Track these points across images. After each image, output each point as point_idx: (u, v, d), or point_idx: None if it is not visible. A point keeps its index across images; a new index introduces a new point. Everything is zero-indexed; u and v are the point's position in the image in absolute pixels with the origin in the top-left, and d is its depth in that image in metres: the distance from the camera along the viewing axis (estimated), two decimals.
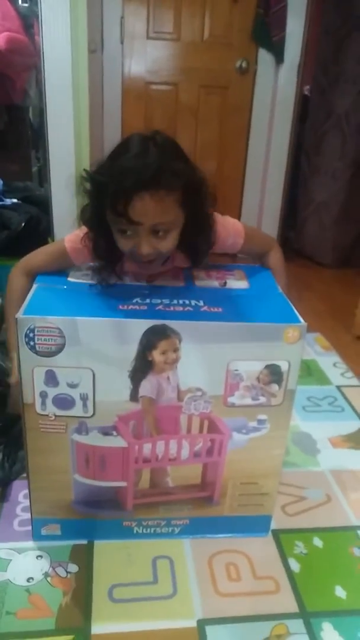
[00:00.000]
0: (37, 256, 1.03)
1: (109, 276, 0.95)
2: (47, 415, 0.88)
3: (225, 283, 1.01)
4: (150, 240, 0.87)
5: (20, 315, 0.82)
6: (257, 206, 2.85)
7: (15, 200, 1.86)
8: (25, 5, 1.90)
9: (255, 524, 1.04)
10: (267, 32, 2.47)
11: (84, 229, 0.96)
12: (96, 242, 0.94)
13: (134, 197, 0.81)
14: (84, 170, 0.89)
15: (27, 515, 1.02)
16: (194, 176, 0.88)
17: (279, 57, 2.53)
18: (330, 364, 1.75)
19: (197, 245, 0.97)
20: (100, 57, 2.47)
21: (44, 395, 0.87)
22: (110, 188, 0.82)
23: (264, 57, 2.55)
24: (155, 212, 0.83)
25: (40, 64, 1.87)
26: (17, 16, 1.99)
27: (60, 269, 1.00)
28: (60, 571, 0.95)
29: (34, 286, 0.93)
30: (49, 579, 0.93)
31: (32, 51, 2.02)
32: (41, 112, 1.98)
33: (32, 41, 1.96)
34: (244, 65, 2.55)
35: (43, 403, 0.87)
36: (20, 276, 1.01)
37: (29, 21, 1.92)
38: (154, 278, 0.99)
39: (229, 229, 1.04)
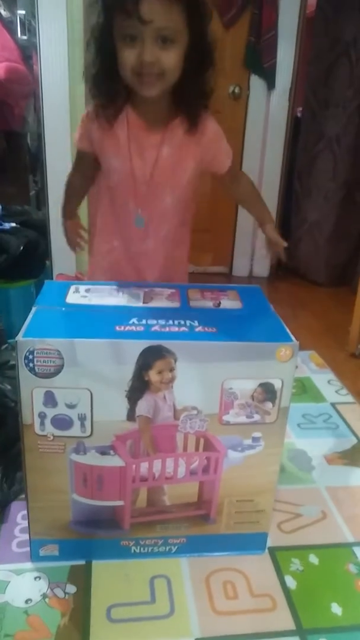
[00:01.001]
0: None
1: (110, 113, 0.99)
2: (45, 435, 0.90)
3: (219, 303, 1.03)
4: (155, 50, 0.88)
5: (19, 338, 0.84)
6: (251, 227, 2.89)
7: (13, 224, 1.90)
8: (24, 37, 1.96)
9: (252, 542, 1.05)
10: (259, 59, 2.56)
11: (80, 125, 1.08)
12: (99, 67, 0.95)
13: None
14: None
15: (26, 537, 1.02)
16: None
17: (270, 83, 2.61)
18: (325, 381, 1.77)
19: (197, 88, 0.98)
20: None
21: (42, 415, 0.88)
22: None
23: (256, 83, 2.63)
24: (162, 13, 0.85)
25: (38, 92, 1.93)
26: (16, 47, 2.06)
27: (91, 160, 1.12)
28: (59, 592, 0.95)
29: (33, 309, 0.96)
30: (47, 600, 0.94)
31: (31, 80, 2.09)
32: (39, 138, 2.03)
33: (31, 71, 2.03)
34: (236, 90, 2.63)
35: (42, 424, 0.89)
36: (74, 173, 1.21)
37: (27, 52, 1.99)
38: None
39: (226, 143, 1.11)
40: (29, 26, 1.98)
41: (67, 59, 1.86)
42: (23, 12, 2.00)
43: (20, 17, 2.08)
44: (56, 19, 1.82)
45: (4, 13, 2.09)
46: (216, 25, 2.41)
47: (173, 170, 1.05)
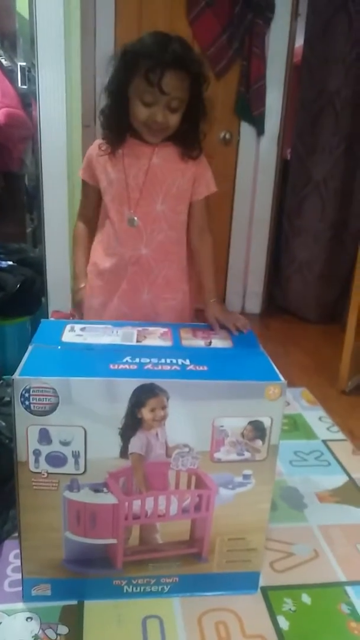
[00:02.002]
0: (80, 204, 1.29)
1: (115, 143, 1.14)
2: (40, 472, 0.91)
3: (210, 342, 1.07)
4: (166, 112, 1.07)
5: (16, 376, 0.87)
6: (242, 264, 2.97)
7: (10, 263, 1.94)
8: (25, 87, 2.06)
9: (244, 581, 1.05)
10: (248, 108, 2.68)
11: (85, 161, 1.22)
12: (112, 112, 1.12)
13: (167, 72, 1.02)
14: (123, 45, 1.08)
15: (18, 576, 1.02)
16: (204, 68, 1.10)
17: (259, 129, 2.72)
18: (316, 418, 1.79)
19: (194, 129, 1.14)
20: (94, 130, 2.64)
21: (37, 453, 0.90)
22: (147, 62, 1.02)
23: (246, 129, 2.75)
24: (177, 87, 1.04)
25: (37, 136, 2.01)
26: (15, 95, 2.15)
27: (96, 196, 1.23)
28: (50, 633, 0.94)
29: (30, 347, 0.99)
30: None
31: (29, 125, 2.17)
32: (37, 179, 2.10)
33: (30, 117, 2.11)
34: (227, 136, 2.74)
35: (36, 461, 0.90)
36: (78, 223, 1.30)
37: (27, 100, 2.08)
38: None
39: (209, 176, 1.21)
40: (29, 76, 2.08)
41: (65, 106, 1.95)
42: (24, 63, 2.10)
43: (21, 67, 2.18)
44: (55, 69, 1.92)
45: (5, 63, 2.20)
46: (208, 75, 2.54)
47: (162, 177, 1.16)
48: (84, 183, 1.24)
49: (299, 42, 2.73)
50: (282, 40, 2.63)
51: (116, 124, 1.13)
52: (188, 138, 1.15)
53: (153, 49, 1.03)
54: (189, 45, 1.08)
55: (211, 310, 1.16)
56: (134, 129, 1.12)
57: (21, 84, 2.07)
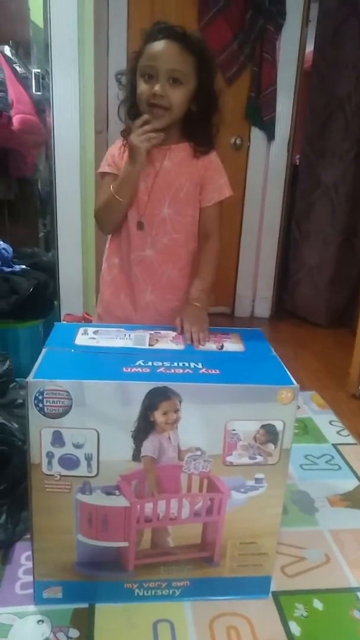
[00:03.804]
0: (97, 200, 1.24)
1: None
2: (52, 475, 0.92)
3: (222, 346, 1.07)
4: (166, 85, 1.07)
5: (30, 378, 0.88)
6: (252, 269, 2.97)
7: (24, 267, 1.96)
8: (39, 93, 2.08)
9: (255, 586, 1.05)
10: (259, 113, 2.69)
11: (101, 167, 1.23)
12: (125, 101, 1.16)
13: (166, 42, 1.06)
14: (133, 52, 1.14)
15: (29, 578, 1.03)
16: (209, 53, 1.11)
17: (270, 135, 2.73)
18: (326, 422, 1.78)
19: (205, 122, 1.14)
20: (106, 136, 2.66)
21: (50, 455, 0.91)
22: (147, 40, 1.08)
23: (257, 135, 2.76)
24: (176, 58, 1.06)
25: (50, 142, 2.03)
26: (30, 101, 2.18)
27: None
28: (61, 636, 0.95)
29: (44, 350, 1.00)
30: None
31: (43, 131, 2.20)
32: (50, 184, 2.12)
33: (44, 123, 2.14)
34: (238, 142, 2.75)
35: (49, 463, 0.91)
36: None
37: (41, 106, 2.11)
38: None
39: (223, 182, 1.21)
40: (43, 83, 2.11)
41: (78, 112, 1.97)
42: (38, 70, 2.13)
43: (35, 74, 2.21)
44: (68, 76, 1.94)
45: (19, 70, 2.23)
46: (219, 81, 2.55)
47: (171, 182, 1.16)
48: (108, 175, 1.21)
49: (309, 48, 2.74)
50: (292, 46, 2.64)
51: (128, 112, 1.15)
52: (199, 132, 1.15)
53: (157, 26, 1.09)
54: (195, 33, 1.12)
55: (184, 311, 1.14)
56: None
57: (35, 91, 2.09)
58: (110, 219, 1.21)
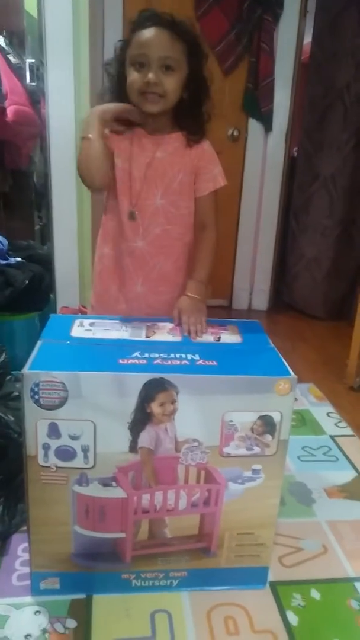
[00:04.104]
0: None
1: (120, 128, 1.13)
2: (49, 467, 0.91)
3: (219, 338, 1.06)
4: (159, 73, 1.05)
5: (25, 370, 0.87)
6: (250, 262, 2.97)
7: (19, 259, 1.95)
8: (33, 83, 2.06)
9: (253, 576, 1.05)
10: (256, 104, 2.67)
11: None
12: (112, 92, 1.13)
13: (155, 29, 1.05)
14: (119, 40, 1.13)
15: (26, 569, 1.03)
16: (198, 39, 1.11)
17: (267, 126, 2.71)
18: (324, 413, 1.78)
19: (196, 111, 1.13)
20: None
21: (46, 447, 0.90)
22: (135, 28, 1.06)
23: (254, 126, 2.74)
24: (167, 45, 1.05)
25: (45, 133, 2.02)
26: (24, 92, 2.16)
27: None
28: (59, 627, 0.95)
29: (39, 342, 0.99)
30: (47, 635, 0.93)
31: (38, 122, 2.18)
32: (45, 176, 2.11)
33: (39, 114, 2.12)
34: (235, 133, 2.74)
35: (46, 455, 0.91)
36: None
37: (36, 97, 2.09)
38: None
39: (217, 171, 1.19)
40: (38, 73, 2.09)
41: (74, 102, 1.95)
42: (32, 60, 2.11)
43: (29, 64, 2.19)
44: (63, 67, 1.92)
45: (13, 60, 2.21)
46: (216, 72, 2.53)
47: (164, 172, 1.15)
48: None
49: (307, 39, 2.72)
50: (290, 37, 2.62)
51: (116, 102, 1.13)
52: (191, 120, 1.14)
53: (144, 14, 1.08)
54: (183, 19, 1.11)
55: (180, 303, 1.14)
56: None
57: (30, 81, 2.07)
58: (88, 167, 1.11)
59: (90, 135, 1.09)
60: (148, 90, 1.06)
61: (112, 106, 1.11)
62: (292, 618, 0.99)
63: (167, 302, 1.20)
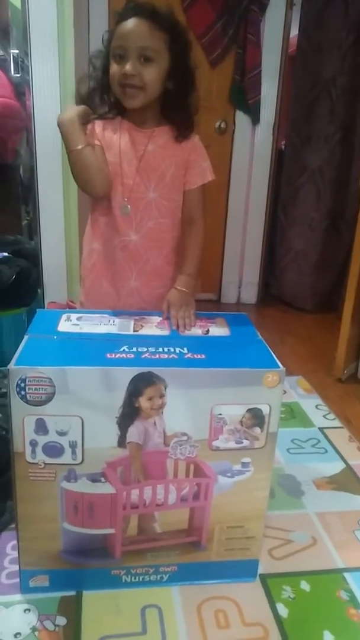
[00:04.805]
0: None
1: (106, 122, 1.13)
2: (36, 463, 0.90)
3: (207, 331, 1.06)
4: (137, 64, 1.04)
5: (12, 366, 0.86)
6: (238, 255, 2.96)
7: (6, 254, 1.92)
8: (18, 75, 2.03)
9: (243, 569, 1.05)
10: (244, 96, 2.66)
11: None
12: (95, 86, 1.12)
13: (134, 20, 1.04)
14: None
15: (15, 568, 1.02)
16: (181, 28, 1.09)
17: (254, 118, 2.71)
18: (313, 406, 1.79)
19: (182, 103, 1.12)
20: None
21: (34, 443, 0.89)
22: (119, 20, 1.05)
23: (241, 118, 2.73)
24: (145, 35, 1.03)
25: (31, 126, 1.99)
26: (9, 84, 2.12)
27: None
28: (48, 624, 0.94)
29: (25, 337, 0.98)
30: (36, 633, 0.92)
31: (24, 115, 2.14)
32: (32, 170, 2.08)
33: (24, 106, 2.09)
34: (222, 125, 2.72)
35: (33, 451, 0.90)
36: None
37: (21, 89, 2.05)
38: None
39: (205, 166, 1.19)
40: (22, 64, 2.05)
41: (59, 95, 1.93)
42: (17, 51, 2.07)
43: (13, 56, 2.15)
44: (48, 59, 1.89)
45: None
46: (203, 64, 2.51)
47: (156, 166, 1.14)
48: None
49: (294, 32, 2.71)
50: (277, 29, 2.61)
51: (99, 98, 1.12)
52: (178, 113, 1.13)
53: (128, 5, 1.07)
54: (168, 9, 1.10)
55: (169, 296, 1.14)
56: (124, 109, 1.11)
57: (14, 72, 2.04)
58: (90, 177, 1.12)
59: (79, 147, 1.08)
60: (126, 82, 1.05)
61: (76, 109, 1.11)
62: (283, 610, 0.99)
63: (161, 296, 1.19)
